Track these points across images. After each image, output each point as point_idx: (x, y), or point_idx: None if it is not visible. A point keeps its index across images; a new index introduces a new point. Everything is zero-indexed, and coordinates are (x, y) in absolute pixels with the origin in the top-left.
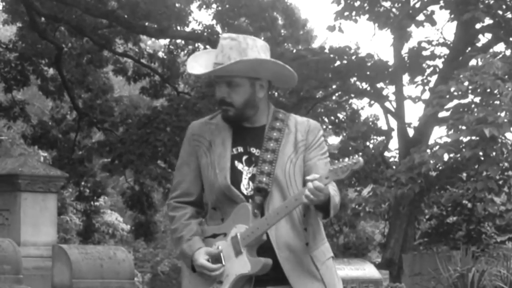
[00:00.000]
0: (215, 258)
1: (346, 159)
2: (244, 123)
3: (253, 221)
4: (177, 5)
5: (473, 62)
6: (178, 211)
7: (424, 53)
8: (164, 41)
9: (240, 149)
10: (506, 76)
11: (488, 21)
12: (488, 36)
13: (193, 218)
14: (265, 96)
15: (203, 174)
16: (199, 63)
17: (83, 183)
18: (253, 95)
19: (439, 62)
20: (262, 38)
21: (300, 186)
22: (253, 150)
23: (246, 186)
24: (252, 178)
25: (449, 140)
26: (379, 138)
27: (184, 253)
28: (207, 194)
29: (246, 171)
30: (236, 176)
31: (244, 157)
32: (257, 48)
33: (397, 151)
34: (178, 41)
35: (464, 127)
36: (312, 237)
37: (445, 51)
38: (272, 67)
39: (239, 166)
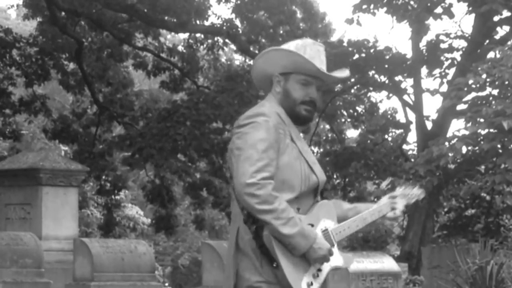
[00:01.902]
0: None
1: (411, 187)
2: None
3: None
4: None
5: (491, 54)
6: (277, 192)
7: (442, 46)
8: (183, 35)
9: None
10: None
11: (506, 13)
12: (506, 28)
13: None
14: None
15: (292, 165)
16: (322, 61)
17: (103, 177)
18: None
19: (457, 55)
20: (281, 31)
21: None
22: None
23: None
24: None
25: (467, 132)
26: (398, 131)
27: (306, 234)
28: (294, 183)
29: None
30: None
31: None
32: None
33: (416, 144)
34: (198, 35)
35: (482, 120)
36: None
37: (463, 43)
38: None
39: None
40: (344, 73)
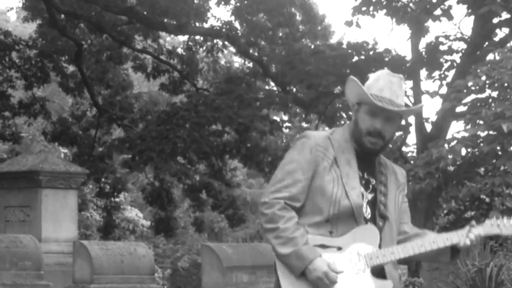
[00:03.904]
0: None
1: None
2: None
3: (380, 245)
4: (195, 1)
5: (490, 56)
6: (288, 212)
7: (442, 48)
8: (183, 38)
9: (360, 173)
10: None
11: (505, 15)
12: (506, 30)
13: (299, 225)
14: None
15: (323, 188)
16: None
17: (103, 179)
18: (396, 131)
19: (456, 57)
20: (281, 33)
21: (398, 223)
22: (370, 178)
23: (365, 209)
24: (369, 204)
25: (466, 134)
26: (397, 133)
27: (301, 254)
28: (322, 206)
29: (365, 195)
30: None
31: (363, 182)
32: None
33: (415, 146)
34: (197, 37)
35: (481, 122)
36: (399, 274)
37: (462, 45)
38: (420, 111)
39: (361, 189)
40: (415, 107)
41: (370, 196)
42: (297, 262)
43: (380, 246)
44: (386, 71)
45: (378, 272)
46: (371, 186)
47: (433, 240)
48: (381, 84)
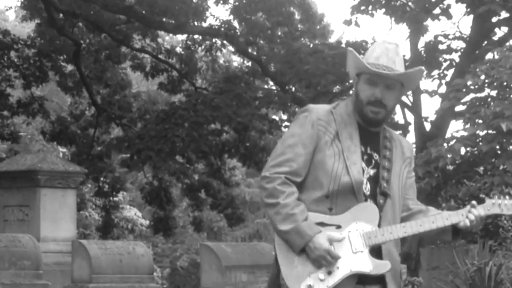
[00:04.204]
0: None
1: (508, 198)
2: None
3: (381, 224)
4: (194, 0)
5: (489, 55)
6: (289, 187)
7: (441, 47)
8: (181, 37)
9: (362, 148)
10: None
11: (504, 14)
12: (505, 29)
13: (300, 200)
14: None
15: (324, 162)
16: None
17: (102, 178)
18: (398, 100)
19: (455, 56)
20: (279, 32)
21: (402, 199)
22: (372, 153)
23: (365, 185)
24: (370, 180)
25: (465, 134)
26: (396, 132)
27: (301, 231)
28: (323, 181)
29: (366, 171)
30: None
31: (365, 157)
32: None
33: (414, 145)
34: (196, 36)
35: (481, 121)
36: (400, 251)
37: (461, 44)
38: (419, 76)
39: (362, 164)
40: (412, 70)
41: (372, 171)
42: (296, 239)
43: (380, 225)
44: (382, 40)
45: (378, 250)
46: (373, 161)
47: (432, 220)
48: (378, 52)
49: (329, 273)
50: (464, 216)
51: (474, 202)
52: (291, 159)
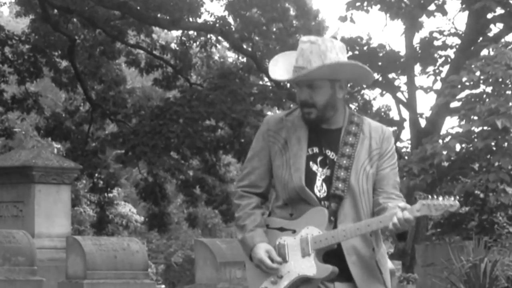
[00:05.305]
0: (280, 253)
1: (441, 198)
2: (322, 124)
3: (327, 228)
4: None
5: (484, 52)
6: (244, 200)
7: (436, 43)
8: (176, 33)
9: (316, 149)
10: None
11: (499, 10)
12: (500, 25)
13: (257, 208)
14: (343, 97)
15: (275, 172)
16: (279, 67)
17: (96, 174)
18: (333, 96)
19: (450, 52)
20: (274, 28)
21: (370, 195)
22: (328, 153)
23: (319, 188)
24: (326, 181)
25: (461, 130)
26: (391, 129)
27: (245, 242)
28: (279, 190)
29: (320, 173)
30: (310, 177)
31: (319, 158)
32: (335, 50)
33: (409, 142)
34: (190, 32)
35: (476, 118)
36: (376, 242)
37: (456, 41)
38: (351, 69)
39: (314, 167)
40: (327, 63)
41: (328, 171)
42: (244, 248)
43: (336, 226)
44: (303, 38)
45: (339, 249)
46: (328, 161)
47: (368, 223)
48: (296, 55)
49: (281, 277)
50: (392, 220)
51: (401, 204)
52: (249, 172)
